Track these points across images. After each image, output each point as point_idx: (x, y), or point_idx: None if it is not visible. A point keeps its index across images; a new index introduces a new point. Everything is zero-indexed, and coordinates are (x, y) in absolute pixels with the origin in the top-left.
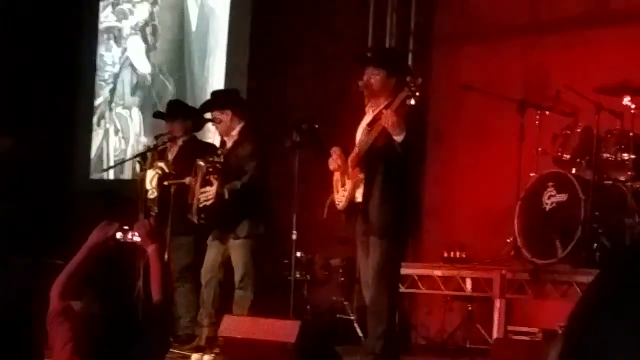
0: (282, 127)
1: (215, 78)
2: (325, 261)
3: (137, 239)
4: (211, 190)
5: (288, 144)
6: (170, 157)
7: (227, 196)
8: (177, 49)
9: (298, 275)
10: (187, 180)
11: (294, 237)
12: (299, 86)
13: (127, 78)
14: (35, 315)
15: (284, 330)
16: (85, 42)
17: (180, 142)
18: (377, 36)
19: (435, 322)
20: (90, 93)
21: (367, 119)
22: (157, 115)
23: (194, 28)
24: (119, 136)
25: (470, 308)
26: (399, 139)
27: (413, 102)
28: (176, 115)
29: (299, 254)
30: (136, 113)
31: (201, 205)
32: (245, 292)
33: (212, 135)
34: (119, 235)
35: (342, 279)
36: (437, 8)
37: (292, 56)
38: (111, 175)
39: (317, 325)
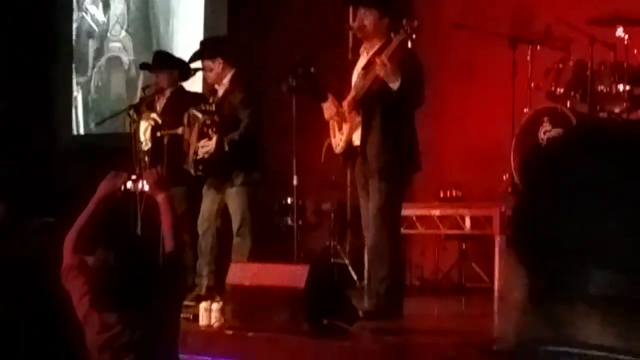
0: (273, 73)
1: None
2: (316, 206)
3: (146, 187)
4: (210, 143)
5: (284, 88)
6: (159, 107)
7: (227, 148)
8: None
9: (289, 222)
10: (180, 130)
11: (295, 182)
12: (285, 31)
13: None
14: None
15: (292, 275)
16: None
17: (167, 93)
18: None
19: (429, 262)
20: (68, 50)
21: (362, 61)
22: (143, 66)
23: None
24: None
25: (464, 247)
26: (394, 86)
27: (410, 44)
28: (163, 66)
29: (289, 200)
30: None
31: (199, 157)
32: (243, 240)
33: (194, 84)
34: (128, 185)
35: (334, 224)
36: None
37: (273, 7)
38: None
39: (326, 269)
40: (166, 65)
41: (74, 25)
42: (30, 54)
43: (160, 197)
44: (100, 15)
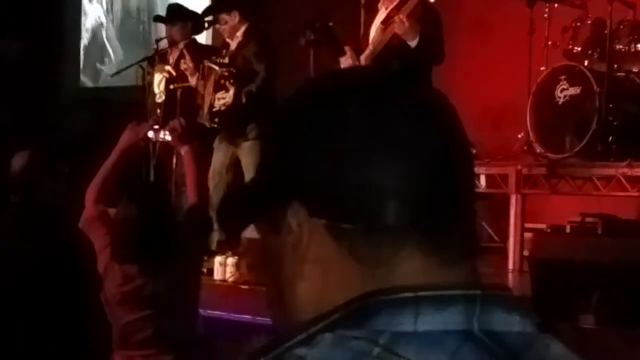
0: (286, 28)
1: None
2: None
3: (168, 138)
4: (228, 95)
5: (302, 42)
6: (171, 60)
7: (244, 100)
8: None
9: None
10: (193, 82)
11: None
12: None
13: None
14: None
15: None
16: None
17: (181, 46)
18: None
19: None
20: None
21: (381, 15)
22: (157, 18)
23: None
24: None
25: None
26: (412, 43)
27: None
28: (176, 18)
29: None
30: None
31: (215, 109)
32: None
33: (200, 38)
34: (150, 134)
35: None
36: None
37: None
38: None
39: None
40: (180, 17)
41: None
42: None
43: (184, 149)
44: None
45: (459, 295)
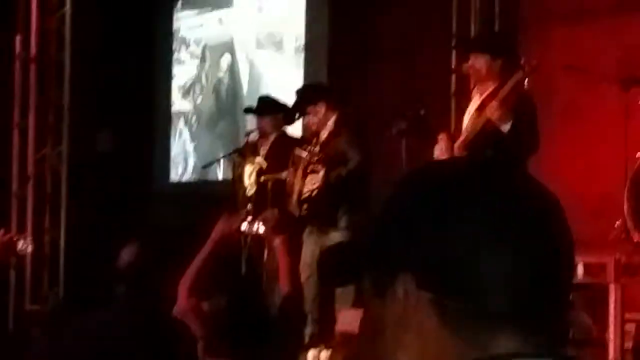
0: (376, 119)
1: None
2: None
3: (262, 229)
4: (317, 177)
5: (394, 132)
6: (262, 152)
7: (333, 181)
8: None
9: None
10: (284, 174)
11: None
12: (386, 77)
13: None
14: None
15: None
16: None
17: (272, 137)
18: (461, 21)
19: None
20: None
21: (475, 103)
22: (248, 110)
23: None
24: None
25: (571, 297)
26: (504, 128)
27: (527, 85)
28: (267, 111)
29: None
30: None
31: (304, 196)
32: (345, 288)
33: (294, 129)
34: (244, 226)
35: None
36: None
37: (373, 51)
38: (189, 177)
39: None
40: (271, 109)
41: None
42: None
43: (277, 241)
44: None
45: None
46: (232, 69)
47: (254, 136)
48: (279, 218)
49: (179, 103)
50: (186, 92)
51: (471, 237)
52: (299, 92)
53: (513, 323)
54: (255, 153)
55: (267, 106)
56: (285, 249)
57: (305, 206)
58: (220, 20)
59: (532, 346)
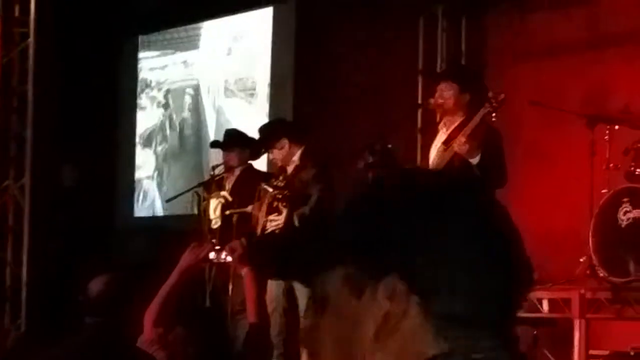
0: (345, 152)
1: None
2: None
3: (229, 259)
4: (280, 218)
5: (361, 165)
6: (228, 186)
7: (296, 223)
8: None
9: None
10: (250, 208)
11: None
12: (350, 114)
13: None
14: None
15: None
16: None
17: (237, 172)
18: (427, 58)
19: None
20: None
21: (442, 136)
22: (214, 144)
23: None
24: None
25: (535, 332)
26: (474, 160)
27: (494, 118)
28: (234, 144)
29: None
30: None
31: (267, 231)
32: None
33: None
34: (211, 255)
35: None
36: (489, 27)
37: (340, 87)
38: (157, 212)
39: None
40: (237, 143)
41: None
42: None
43: (244, 270)
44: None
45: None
46: (197, 109)
47: (219, 170)
48: (246, 248)
49: (142, 143)
50: (147, 140)
51: (446, 245)
52: (262, 129)
53: (488, 330)
54: (221, 187)
55: (234, 139)
56: (252, 279)
57: None
58: (185, 63)
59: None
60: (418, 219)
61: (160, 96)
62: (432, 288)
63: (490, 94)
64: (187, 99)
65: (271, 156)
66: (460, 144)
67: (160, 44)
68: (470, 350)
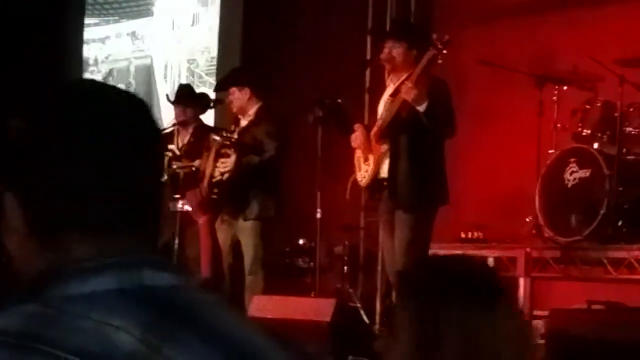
0: (290, 107)
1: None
2: (328, 249)
3: (188, 208)
4: (229, 161)
5: (310, 119)
6: (181, 142)
7: (244, 166)
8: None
9: (301, 263)
10: (197, 162)
11: (318, 215)
12: (300, 65)
13: None
14: None
15: (317, 308)
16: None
17: (190, 129)
18: (376, 17)
19: None
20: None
21: (389, 90)
22: (168, 99)
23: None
24: None
25: None
26: (421, 108)
27: (440, 61)
28: (187, 99)
29: (301, 241)
30: None
31: (214, 179)
32: (255, 277)
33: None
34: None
35: (346, 267)
36: None
37: (287, 41)
38: None
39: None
40: (191, 98)
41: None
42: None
43: (201, 220)
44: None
45: (114, 262)
46: (150, 94)
47: (169, 124)
48: (203, 197)
49: None
50: None
51: None
52: (229, 73)
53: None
54: (170, 142)
55: (188, 94)
56: (207, 230)
57: (215, 190)
58: (133, 35)
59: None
60: None
61: (100, 77)
62: None
63: (434, 36)
64: (135, 81)
65: (230, 97)
66: (407, 89)
67: (101, 8)
68: None
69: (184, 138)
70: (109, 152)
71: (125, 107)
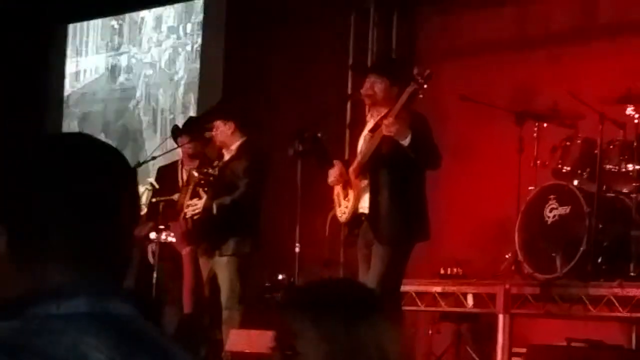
0: (276, 141)
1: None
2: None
3: (172, 239)
4: (199, 203)
5: (290, 152)
6: (185, 175)
7: (215, 211)
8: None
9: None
10: (175, 196)
11: (297, 249)
12: (281, 106)
13: None
14: None
15: None
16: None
17: (197, 162)
18: (358, 53)
19: (422, 345)
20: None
21: (369, 125)
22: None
23: None
24: None
25: (459, 329)
26: (405, 142)
27: (421, 95)
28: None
29: (280, 276)
30: None
31: (187, 217)
32: (231, 312)
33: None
34: (152, 235)
35: None
36: (419, 24)
37: (269, 75)
38: None
39: None
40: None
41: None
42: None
43: (185, 251)
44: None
45: (86, 291)
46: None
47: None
48: (188, 228)
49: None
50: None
51: None
52: (215, 106)
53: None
54: (174, 174)
55: (196, 126)
56: (190, 261)
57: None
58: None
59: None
60: None
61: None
62: None
63: (415, 71)
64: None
65: (213, 132)
66: (388, 125)
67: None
68: None
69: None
70: (82, 201)
71: (101, 157)
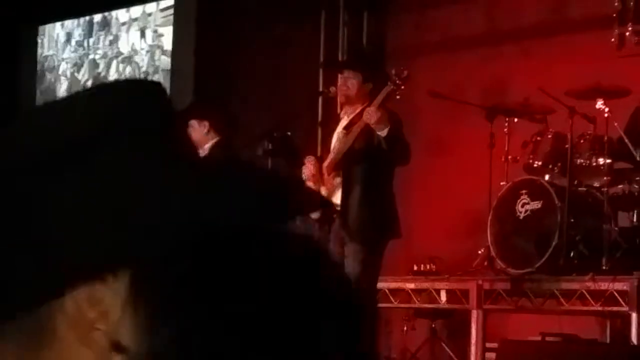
0: (246, 140)
1: None
2: None
3: None
4: None
5: (260, 152)
6: None
7: None
8: None
9: None
10: None
11: None
12: (252, 104)
13: None
14: None
15: None
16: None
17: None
18: (328, 50)
19: (397, 342)
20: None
21: (343, 123)
22: None
23: None
24: None
25: (433, 325)
26: (383, 133)
27: (398, 96)
28: None
29: None
30: None
31: None
32: None
33: None
34: None
35: None
36: (390, 20)
37: (240, 74)
38: None
39: None
40: None
41: None
42: None
43: None
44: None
45: None
46: None
47: None
48: None
49: None
50: None
51: None
52: (190, 104)
53: None
54: None
55: None
56: None
57: None
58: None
59: None
60: None
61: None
62: None
63: (393, 72)
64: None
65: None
66: (370, 112)
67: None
68: None
69: None
70: None
71: None
